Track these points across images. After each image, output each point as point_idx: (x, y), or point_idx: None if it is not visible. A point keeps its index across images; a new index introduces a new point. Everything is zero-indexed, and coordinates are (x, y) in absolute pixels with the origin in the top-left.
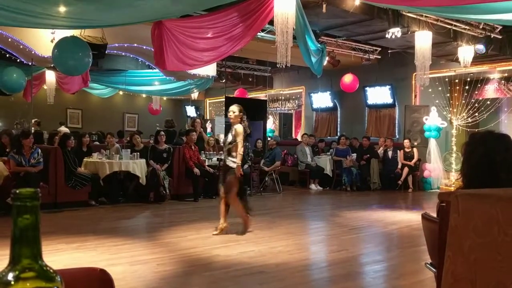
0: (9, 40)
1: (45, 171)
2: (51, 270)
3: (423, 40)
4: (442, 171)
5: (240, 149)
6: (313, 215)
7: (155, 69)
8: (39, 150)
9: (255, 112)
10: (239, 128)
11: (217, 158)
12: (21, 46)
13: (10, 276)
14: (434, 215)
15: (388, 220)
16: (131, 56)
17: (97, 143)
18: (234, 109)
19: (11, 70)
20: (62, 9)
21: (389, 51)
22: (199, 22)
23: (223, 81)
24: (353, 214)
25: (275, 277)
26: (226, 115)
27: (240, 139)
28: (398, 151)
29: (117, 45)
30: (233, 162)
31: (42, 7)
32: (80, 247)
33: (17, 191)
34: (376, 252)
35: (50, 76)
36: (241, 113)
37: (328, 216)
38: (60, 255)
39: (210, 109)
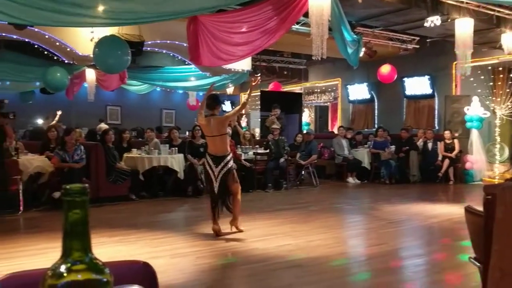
0: (51, 40)
1: (87, 167)
2: (100, 263)
3: (464, 28)
4: (485, 162)
5: None
6: (351, 209)
7: (190, 65)
8: (82, 147)
9: (290, 105)
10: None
11: (254, 152)
12: (62, 46)
13: (63, 268)
14: (478, 208)
15: (428, 213)
16: (167, 52)
17: (140, 139)
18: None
19: (54, 69)
20: (100, 7)
21: (427, 40)
22: (233, 16)
23: (259, 75)
24: (392, 207)
25: (313, 270)
26: (261, 109)
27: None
28: (438, 142)
29: (153, 42)
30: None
31: (80, 7)
32: (122, 240)
33: (67, 187)
34: (416, 246)
35: (90, 74)
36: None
37: (366, 209)
38: (103, 248)
39: None
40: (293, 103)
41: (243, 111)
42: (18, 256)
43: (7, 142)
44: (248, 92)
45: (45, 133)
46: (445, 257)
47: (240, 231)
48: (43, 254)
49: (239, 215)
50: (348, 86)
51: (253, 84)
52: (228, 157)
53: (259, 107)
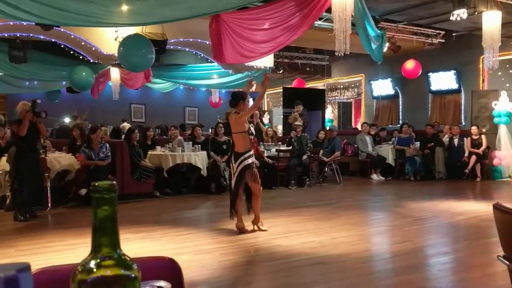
0: (77, 40)
1: (112, 164)
2: (128, 259)
3: (491, 21)
4: None
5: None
6: (375, 206)
7: (213, 62)
8: (107, 145)
9: (313, 101)
10: None
11: (276, 149)
12: (87, 45)
13: (92, 264)
14: (507, 205)
15: (454, 210)
16: (190, 50)
17: (164, 137)
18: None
19: (80, 68)
20: (123, 7)
21: (453, 34)
22: (255, 13)
23: (281, 71)
24: (417, 204)
25: (337, 268)
26: (284, 106)
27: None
28: (465, 138)
29: (176, 40)
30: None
31: (104, 7)
32: (146, 236)
33: (96, 184)
34: (442, 244)
35: (115, 73)
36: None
37: (391, 206)
38: (128, 244)
39: (267, 100)
40: (316, 100)
41: (258, 109)
42: (47, 251)
43: (41, 140)
44: (261, 91)
45: (70, 132)
46: (472, 255)
47: (262, 230)
48: (70, 249)
49: (259, 215)
50: (372, 82)
51: (265, 81)
52: (246, 155)
53: (282, 103)
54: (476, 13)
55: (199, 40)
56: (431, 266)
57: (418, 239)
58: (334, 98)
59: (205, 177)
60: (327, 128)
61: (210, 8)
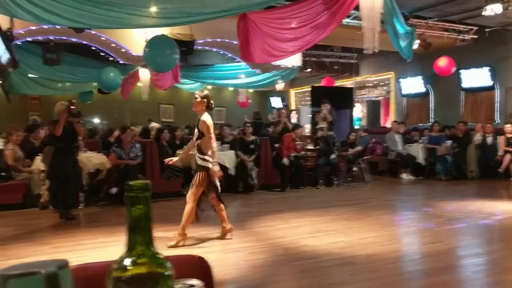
0: (107, 42)
1: (142, 163)
2: (161, 257)
3: None
4: None
5: (213, 144)
6: (405, 206)
7: (240, 62)
8: (137, 145)
9: (341, 100)
10: (207, 119)
11: (303, 148)
12: (117, 47)
13: (127, 262)
14: None
15: (487, 211)
16: (218, 50)
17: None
18: (197, 94)
19: (108, 70)
20: (152, 8)
21: (486, 30)
22: (283, 12)
23: (308, 70)
24: (448, 204)
25: (366, 268)
26: (312, 105)
27: (209, 134)
28: (499, 137)
29: (204, 40)
30: (204, 160)
31: (133, 9)
32: (175, 235)
33: (130, 183)
34: (475, 245)
35: (144, 74)
36: (204, 100)
37: (421, 206)
38: (158, 242)
39: (295, 99)
40: (344, 98)
41: (286, 108)
42: (80, 249)
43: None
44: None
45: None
46: (507, 257)
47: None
48: (102, 247)
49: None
50: (401, 80)
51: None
52: None
53: (310, 102)
54: (510, 8)
55: (227, 40)
56: (463, 268)
57: (449, 240)
58: (362, 96)
59: (232, 176)
60: (360, 128)
61: (236, 6)
